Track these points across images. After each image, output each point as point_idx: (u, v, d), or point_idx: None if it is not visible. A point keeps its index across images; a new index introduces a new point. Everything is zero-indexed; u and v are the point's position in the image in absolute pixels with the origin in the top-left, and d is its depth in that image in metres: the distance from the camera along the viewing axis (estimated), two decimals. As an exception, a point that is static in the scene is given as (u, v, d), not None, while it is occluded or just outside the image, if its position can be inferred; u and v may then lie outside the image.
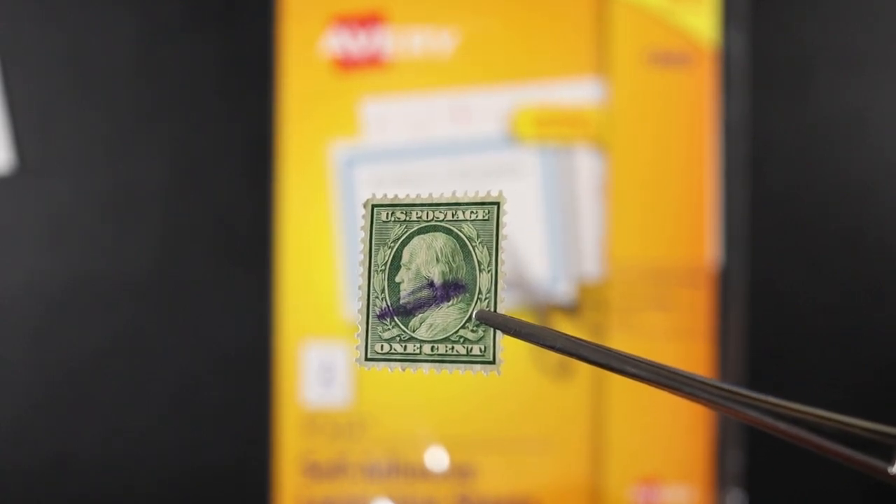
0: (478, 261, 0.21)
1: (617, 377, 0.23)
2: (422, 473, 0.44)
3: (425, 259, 0.21)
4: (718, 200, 0.44)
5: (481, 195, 0.21)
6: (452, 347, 0.21)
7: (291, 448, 0.45)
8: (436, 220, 0.21)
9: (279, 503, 0.45)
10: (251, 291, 0.46)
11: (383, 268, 0.21)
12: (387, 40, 0.45)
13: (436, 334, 0.21)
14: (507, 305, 0.45)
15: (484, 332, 0.21)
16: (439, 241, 0.21)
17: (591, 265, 0.45)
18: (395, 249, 0.21)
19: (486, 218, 0.21)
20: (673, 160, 0.44)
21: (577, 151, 0.45)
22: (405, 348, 0.21)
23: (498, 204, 0.21)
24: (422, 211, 0.21)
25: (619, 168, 0.44)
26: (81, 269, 0.46)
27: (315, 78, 0.45)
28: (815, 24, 0.46)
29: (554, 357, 0.44)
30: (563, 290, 0.44)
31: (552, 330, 0.21)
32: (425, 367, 0.21)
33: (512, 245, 0.44)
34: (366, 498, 0.44)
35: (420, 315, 0.21)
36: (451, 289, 0.21)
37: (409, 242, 0.21)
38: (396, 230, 0.22)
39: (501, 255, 0.21)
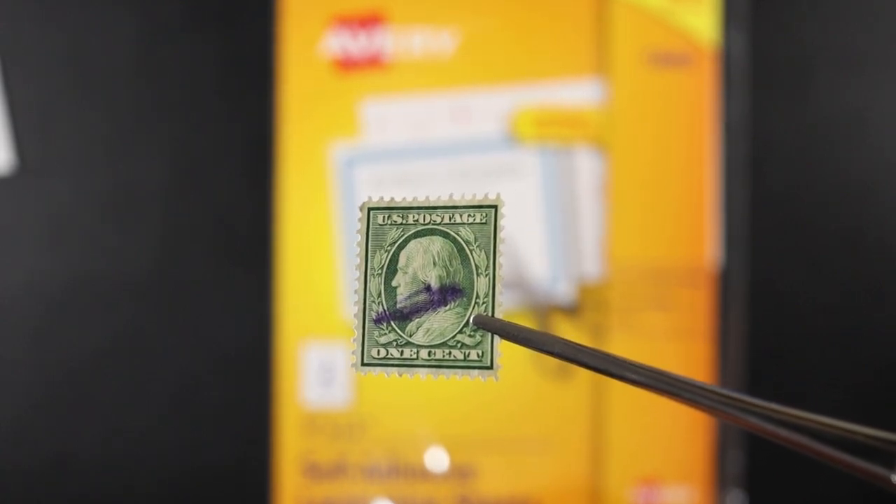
0: (475, 265, 0.21)
1: (617, 378, 0.23)
2: (422, 474, 0.44)
3: (422, 263, 0.21)
4: (718, 200, 0.44)
5: (479, 198, 0.21)
6: (450, 352, 0.21)
7: (291, 448, 0.45)
8: (433, 224, 0.21)
9: (279, 503, 0.45)
10: (251, 291, 0.46)
11: (380, 272, 0.21)
12: (387, 41, 0.45)
13: (433, 339, 0.21)
14: (507, 306, 0.45)
15: (481, 336, 0.21)
16: (436, 244, 0.21)
17: (591, 265, 0.44)
18: (391, 253, 0.21)
19: (484, 221, 0.21)
20: (673, 160, 0.44)
21: (577, 152, 0.45)
22: (402, 353, 0.21)
23: (496, 207, 0.21)
24: (418, 214, 0.21)
25: (619, 168, 0.44)
26: (81, 269, 0.46)
27: (315, 78, 0.45)
28: (815, 24, 0.46)
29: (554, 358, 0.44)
30: (564, 290, 0.44)
31: (550, 335, 0.20)
32: (422, 373, 0.21)
33: (512, 245, 0.44)
34: (366, 498, 0.44)
35: (417, 319, 0.21)
36: (448, 293, 0.21)
37: (405, 246, 0.21)
38: (393, 233, 0.21)
39: (499, 259, 0.21)
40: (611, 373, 0.20)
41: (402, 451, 0.45)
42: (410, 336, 0.21)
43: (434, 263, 0.21)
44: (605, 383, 0.44)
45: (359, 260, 0.21)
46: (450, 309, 0.21)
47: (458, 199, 0.21)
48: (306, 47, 0.45)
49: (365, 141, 0.45)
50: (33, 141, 0.46)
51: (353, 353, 0.21)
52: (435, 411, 0.45)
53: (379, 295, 0.21)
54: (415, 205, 0.21)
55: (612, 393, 0.44)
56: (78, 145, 0.46)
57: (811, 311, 0.46)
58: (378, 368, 0.21)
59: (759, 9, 0.45)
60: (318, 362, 0.45)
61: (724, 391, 0.20)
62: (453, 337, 0.21)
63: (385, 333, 0.21)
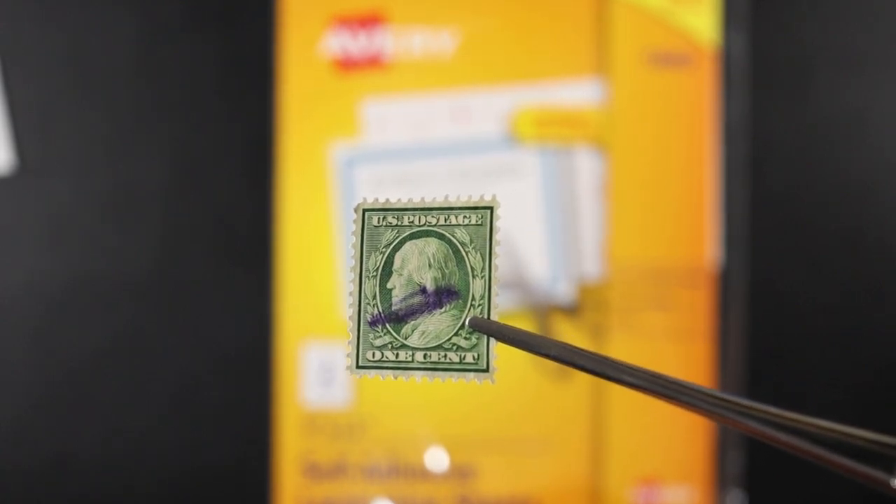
0: (471, 266, 0.21)
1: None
2: (422, 474, 0.44)
3: (417, 265, 0.21)
4: (718, 200, 0.44)
5: (474, 199, 0.21)
6: (445, 355, 0.21)
7: (291, 448, 0.45)
8: (428, 225, 0.21)
9: (279, 503, 0.45)
10: (251, 291, 0.46)
11: (374, 274, 0.21)
12: (387, 41, 0.45)
13: (428, 342, 0.21)
14: (507, 306, 0.45)
15: (477, 339, 0.20)
16: (432, 246, 0.21)
17: (591, 265, 0.44)
18: (386, 255, 0.21)
19: (480, 223, 0.21)
20: (673, 160, 0.44)
21: (577, 152, 0.44)
22: (397, 356, 0.21)
23: (491, 209, 0.21)
24: (414, 215, 0.21)
25: (619, 168, 0.44)
26: (81, 269, 0.46)
27: (315, 78, 0.45)
28: (815, 24, 0.46)
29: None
30: (563, 290, 0.44)
31: (546, 338, 0.20)
32: (418, 376, 0.21)
33: (512, 245, 0.44)
34: (366, 498, 0.44)
35: (412, 322, 0.21)
36: (443, 295, 0.21)
37: (400, 248, 0.21)
38: (388, 235, 0.21)
39: (495, 261, 0.21)
40: (607, 376, 0.20)
41: (402, 451, 0.45)
42: (406, 338, 0.21)
43: (429, 265, 0.21)
44: (605, 383, 0.44)
45: (353, 262, 0.21)
46: (445, 311, 0.21)
47: (453, 201, 0.21)
48: (306, 47, 0.45)
49: (365, 141, 0.45)
50: (33, 141, 0.46)
51: (348, 355, 0.21)
52: (435, 411, 0.44)
53: (374, 297, 0.21)
54: (410, 206, 0.21)
55: (612, 393, 0.44)
56: (78, 145, 0.46)
57: (811, 311, 0.46)
58: (373, 371, 0.21)
59: (759, 9, 0.45)
60: (318, 362, 0.45)
61: (721, 394, 0.20)
62: (449, 339, 0.21)
63: (380, 336, 0.21)
